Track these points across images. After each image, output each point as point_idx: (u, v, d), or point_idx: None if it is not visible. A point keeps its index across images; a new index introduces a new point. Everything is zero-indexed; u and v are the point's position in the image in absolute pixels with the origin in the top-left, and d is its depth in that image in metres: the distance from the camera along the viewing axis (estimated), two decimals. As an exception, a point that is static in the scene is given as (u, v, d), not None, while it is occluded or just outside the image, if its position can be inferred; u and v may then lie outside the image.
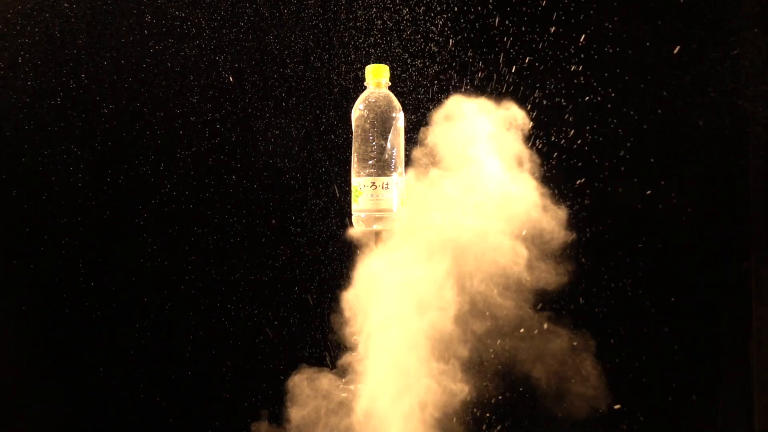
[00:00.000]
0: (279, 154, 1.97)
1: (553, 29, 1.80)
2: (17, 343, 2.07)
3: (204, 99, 1.98)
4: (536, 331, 1.76)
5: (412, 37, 1.89)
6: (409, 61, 1.88)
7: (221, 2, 1.96)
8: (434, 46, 1.88)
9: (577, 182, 1.76)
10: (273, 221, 1.97)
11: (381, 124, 1.66)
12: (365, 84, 1.69)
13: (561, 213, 1.71)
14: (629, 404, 1.80)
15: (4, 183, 2.03)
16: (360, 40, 1.91)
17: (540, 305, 1.74)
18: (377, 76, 1.68)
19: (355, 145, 1.67)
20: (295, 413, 1.74)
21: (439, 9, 1.87)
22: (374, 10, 1.90)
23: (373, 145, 1.65)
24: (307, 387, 1.75)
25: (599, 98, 1.78)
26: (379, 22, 1.89)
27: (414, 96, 1.85)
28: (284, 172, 1.97)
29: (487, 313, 1.70)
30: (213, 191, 2.00)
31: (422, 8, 1.88)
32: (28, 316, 2.06)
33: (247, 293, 1.98)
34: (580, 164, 1.79)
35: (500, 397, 1.81)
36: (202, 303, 2.01)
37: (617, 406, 1.79)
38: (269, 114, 1.97)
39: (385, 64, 1.65)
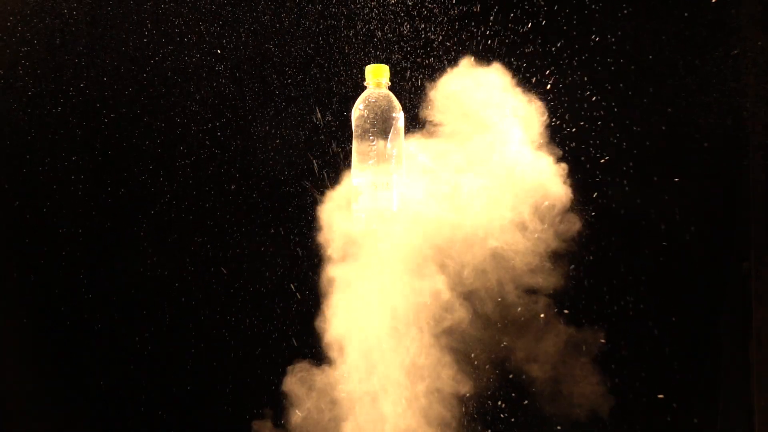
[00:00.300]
0: (279, 162, 1.97)
1: (551, 32, 1.80)
2: (20, 352, 2.07)
3: (204, 107, 1.99)
4: (533, 327, 1.77)
5: (413, 44, 1.89)
6: (409, 72, 1.88)
7: (222, 10, 1.97)
8: (434, 60, 1.87)
9: (577, 182, 1.76)
10: (272, 230, 1.96)
11: (381, 124, 1.66)
12: (365, 84, 1.70)
13: (560, 212, 1.72)
14: (629, 404, 1.79)
15: (5, 192, 2.04)
16: (360, 49, 1.91)
17: (536, 301, 1.75)
18: (377, 76, 1.68)
19: (355, 145, 1.68)
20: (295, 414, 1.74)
21: (440, 19, 1.87)
22: (375, 22, 1.90)
23: (373, 145, 1.65)
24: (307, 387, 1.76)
25: (599, 99, 1.78)
26: (379, 32, 1.90)
27: (413, 102, 1.85)
28: (283, 180, 1.97)
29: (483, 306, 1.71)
30: (213, 199, 2.00)
31: (423, 24, 1.88)
32: (30, 325, 2.07)
33: (246, 302, 1.98)
34: (580, 164, 1.78)
35: (496, 395, 1.81)
36: (201, 312, 2.01)
37: (660, 396, 1.79)
38: (269, 122, 1.97)
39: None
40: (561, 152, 1.71)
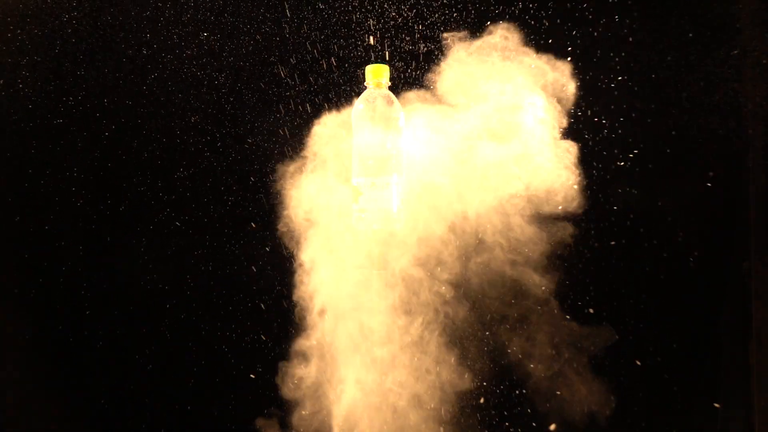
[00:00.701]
0: (278, 174, 1.96)
1: (552, 30, 1.80)
2: (20, 353, 2.08)
3: (204, 117, 1.99)
4: (531, 325, 1.77)
5: (416, 56, 1.88)
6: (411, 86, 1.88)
7: (221, 20, 1.96)
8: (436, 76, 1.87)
9: (577, 182, 1.76)
10: (267, 248, 1.94)
11: (381, 124, 1.66)
12: (365, 84, 1.70)
13: (560, 212, 1.72)
14: (629, 404, 1.80)
15: (6, 202, 2.05)
16: (361, 60, 1.91)
17: (535, 299, 1.75)
18: (377, 76, 1.68)
19: (355, 145, 1.68)
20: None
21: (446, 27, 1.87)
22: (378, 35, 1.90)
23: (374, 145, 1.66)
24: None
25: (600, 100, 1.78)
26: (379, 47, 1.89)
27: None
28: (282, 194, 1.96)
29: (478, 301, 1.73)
30: (212, 212, 2.00)
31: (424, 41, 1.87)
32: (32, 328, 2.08)
33: (246, 320, 1.98)
34: (581, 165, 1.78)
35: (494, 394, 1.82)
36: (202, 327, 2.01)
37: (717, 405, 1.79)
38: (268, 134, 1.96)
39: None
40: (575, 150, 1.71)
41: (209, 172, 2.00)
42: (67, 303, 2.06)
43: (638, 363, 1.80)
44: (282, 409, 1.86)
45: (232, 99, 1.97)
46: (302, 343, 1.86)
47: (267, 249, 1.92)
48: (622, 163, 1.79)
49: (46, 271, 2.06)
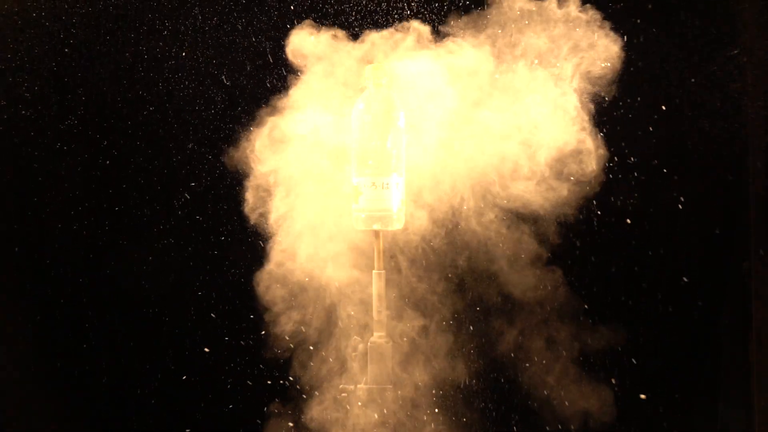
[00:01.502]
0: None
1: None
2: (21, 353, 2.09)
3: (202, 142, 1.98)
4: (531, 325, 1.78)
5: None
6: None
7: (220, 36, 1.96)
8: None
9: (578, 181, 1.76)
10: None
11: (381, 123, 1.67)
12: (365, 84, 1.70)
13: (560, 212, 1.73)
14: (629, 404, 1.80)
15: (9, 209, 2.06)
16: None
17: (534, 299, 1.76)
18: (377, 76, 1.68)
19: (355, 145, 1.68)
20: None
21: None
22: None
23: (373, 145, 1.66)
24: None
25: (601, 99, 1.78)
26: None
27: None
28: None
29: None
30: (213, 235, 1.99)
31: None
32: (33, 336, 2.08)
33: (247, 350, 1.98)
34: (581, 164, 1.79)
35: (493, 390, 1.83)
36: (201, 328, 2.01)
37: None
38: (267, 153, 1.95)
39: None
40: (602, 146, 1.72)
41: (205, 195, 1.99)
42: (68, 303, 2.06)
43: (639, 364, 1.80)
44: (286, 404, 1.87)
45: (228, 122, 1.97)
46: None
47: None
48: (623, 163, 1.79)
49: (46, 272, 2.06)
